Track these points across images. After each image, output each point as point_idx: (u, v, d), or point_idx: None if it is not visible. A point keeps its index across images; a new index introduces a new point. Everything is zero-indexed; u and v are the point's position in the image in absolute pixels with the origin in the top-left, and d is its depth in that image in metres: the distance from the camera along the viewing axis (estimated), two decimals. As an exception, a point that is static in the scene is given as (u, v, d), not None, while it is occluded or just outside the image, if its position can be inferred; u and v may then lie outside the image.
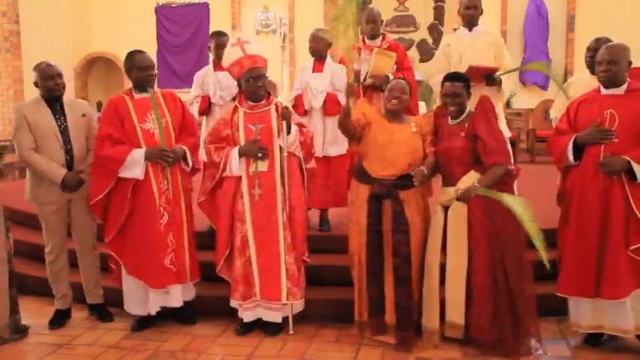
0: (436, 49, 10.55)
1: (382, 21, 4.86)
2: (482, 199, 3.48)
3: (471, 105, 3.74)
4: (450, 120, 3.70)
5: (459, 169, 3.58)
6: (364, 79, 4.64)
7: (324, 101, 4.71)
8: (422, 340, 3.71)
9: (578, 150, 3.51)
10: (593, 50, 4.14)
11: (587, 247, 3.45)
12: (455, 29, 9.57)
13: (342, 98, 4.69)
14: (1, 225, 3.85)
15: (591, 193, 3.45)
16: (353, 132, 3.75)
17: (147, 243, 3.91)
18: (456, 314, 3.56)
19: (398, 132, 3.70)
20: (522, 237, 3.45)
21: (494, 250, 3.47)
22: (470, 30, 4.72)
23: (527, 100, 10.24)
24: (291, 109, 3.96)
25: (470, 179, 3.54)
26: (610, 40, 4.08)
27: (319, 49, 4.79)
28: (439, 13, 10.79)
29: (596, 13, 9.71)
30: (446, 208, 3.62)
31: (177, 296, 4.08)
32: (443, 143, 3.66)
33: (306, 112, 4.75)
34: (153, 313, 4.03)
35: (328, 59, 4.83)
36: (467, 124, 3.60)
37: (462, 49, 4.62)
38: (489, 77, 4.48)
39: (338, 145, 4.71)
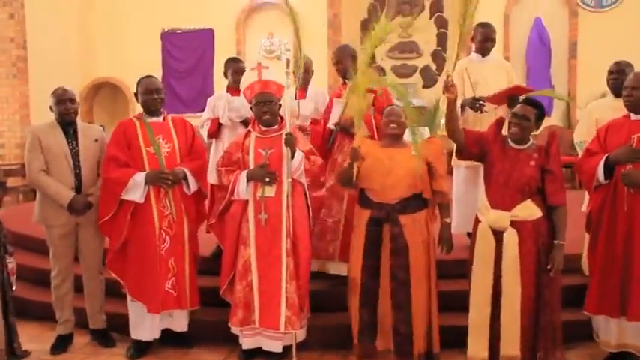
0: (439, 75, 10.67)
1: (354, 56, 4.41)
2: (533, 230, 3.45)
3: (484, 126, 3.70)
4: (511, 143, 3.58)
5: (518, 196, 3.47)
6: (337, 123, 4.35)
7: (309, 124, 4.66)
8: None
9: (608, 170, 3.56)
10: (615, 72, 4.18)
11: (613, 267, 3.52)
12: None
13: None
14: None
15: (617, 213, 3.52)
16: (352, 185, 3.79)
17: (147, 266, 3.90)
18: (512, 346, 3.45)
19: (397, 155, 3.67)
20: (560, 272, 3.50)
21: (537, 283, 3.46)
22: (483, 57, 4.85)
23: (530, 125, 10.26)
24: (296, 135, 3.92)
25: (527, 209, 3.47)
26: (629, 64, 4.14)
27: (308, 79, 4.78)
28: (442, 39, 10.89)
29: (597, 40, 9.77)
30: (494, 232, 3.50)
31: (181, 321, 4.10)
32: (503, 165, 3.52)
33: None
34: (157, 336, 4.01)
35: (311, 85, 4.82)
36: (536, 155, 3.51)
37: (475, 75, 4.70)
38: (513, 99, 4.50)
39: None
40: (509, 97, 4.51)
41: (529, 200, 3.48)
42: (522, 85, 4.63)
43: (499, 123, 3.70)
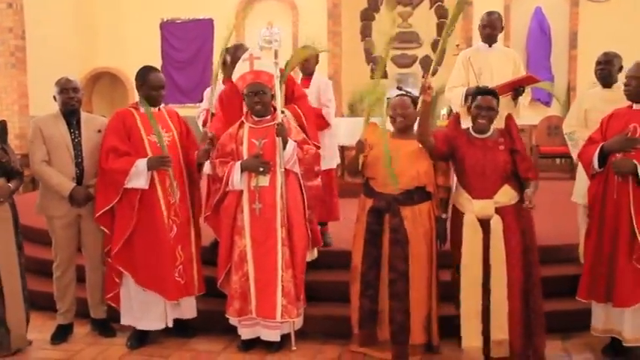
0: (439, 66, 10.66)
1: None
2: (515, 212, 3.52)
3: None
4: (474, 133, 3.64)
5: (498, 182, 3.54)
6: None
7: None
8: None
9: (605, 159, 3.60)
10: (603, 63, 4.24)
11: (602, 254, 3.58)
12: (457, 45, 9.63)
13: (326, 113, 4.65)
14: (11, 239, 3.85)
15: (608, 201, 3.57)
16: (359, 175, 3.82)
17: (156, 256, 3.90)
18: (502, 330, 3.50)
19: (403, 147, 3.67)
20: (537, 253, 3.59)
21: (525, 263, 3.52)
22: (489, 46, 4.83)
23: (530, 116, 10.24)
24: (288, 125, 3.92)
25: (506, 194, 3.55)
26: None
27: (309, 67, 4.77)
28: (442, 29, 10.85)
29: (598, 30, 9.73)
30: (480, 221, 3.54)
31: (190, 308, 4.12)
32: (475, 156, 3.57)
33: None
34: (170, 324, 4.03)
35: (315, 74, 4.82)
36: (501, 139, 3.59)
37: (480, 64, 4.69)
38: (517, 90, 4.55)
39: (326, 160, 4.65)
40: (515, 87, 4.51)
41: (506, 185, 3.55)
42: (534, 76, 4.58)
43: (456, 118, 3.80)
